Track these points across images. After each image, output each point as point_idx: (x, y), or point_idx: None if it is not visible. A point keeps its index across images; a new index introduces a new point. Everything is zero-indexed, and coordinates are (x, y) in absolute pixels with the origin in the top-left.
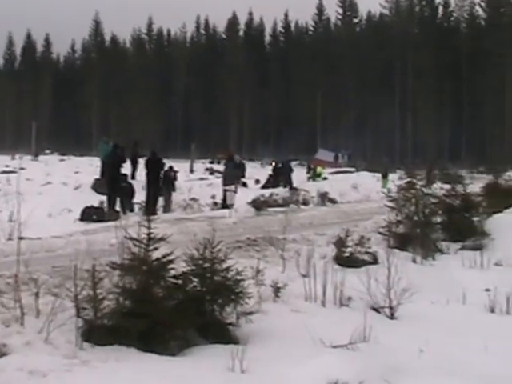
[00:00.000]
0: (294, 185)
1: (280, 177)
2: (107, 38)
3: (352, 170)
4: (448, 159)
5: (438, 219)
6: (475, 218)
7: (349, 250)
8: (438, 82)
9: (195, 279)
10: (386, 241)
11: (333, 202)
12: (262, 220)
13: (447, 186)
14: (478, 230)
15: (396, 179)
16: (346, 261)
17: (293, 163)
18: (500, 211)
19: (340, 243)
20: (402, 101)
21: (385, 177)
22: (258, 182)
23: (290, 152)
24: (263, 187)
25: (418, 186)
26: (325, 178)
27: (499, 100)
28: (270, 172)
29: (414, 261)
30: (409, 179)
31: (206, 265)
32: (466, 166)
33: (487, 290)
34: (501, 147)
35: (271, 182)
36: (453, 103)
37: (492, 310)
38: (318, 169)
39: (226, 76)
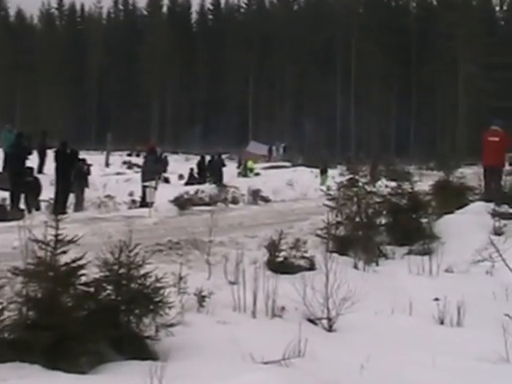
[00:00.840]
0: (223, 181)
1: (208, 172)
2: (12, 12)
3: (288, 164)
4: (395, 153)
5: (383, 220)
6: (424, 220)
7: (283, 254)
8: (385, 67)
9: (109, 287)
10: (324, 244)
11: (265, 200)
12: (185, 220)
13: (393, 184)
14: (427, 232)
15: (336, 175)
16: (280, 266)
17: (223, 157)
18: (451, 212)
19: (273, 247)
20: (344, 88)
21: (324, 173)
22: (181, 177)
23: (219, 144)
24: (187, 183)
25: (360, 184)
26: (257, 174)
27: (452, 87)
28: (193, 166)
29: (356, 266)
30: (351, 176)
31: (122, 270)
32: (414, 161)
33: (436, 299)
34: (453, 140)
35: (197, 178)
36: (400, 91)
37: (441, 322)
38: (249, 163)
39: (147, 57)
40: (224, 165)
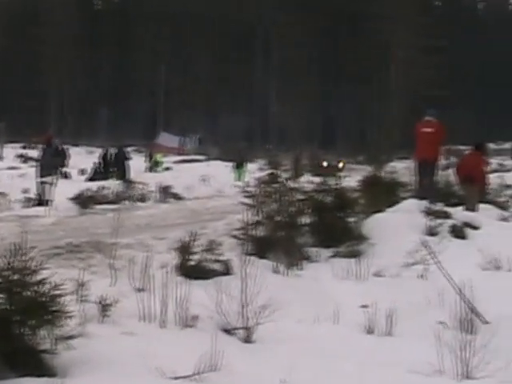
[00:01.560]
0: (130, 176)
1: (112, 166)
2: None
3: (202, 158)
4: (320, 146)
5: (306, 220)
6: (351, 219)
7: (195, 257)
8: (310, 51)
9: (0, 295)
10: (241, 246)
11: (177, 197)
12: (87, 220)
13: (318, 179)
14: (355, 233)
15: (256, 170)
16: (192, 271)
17: (129, 149)
18: (381, 210)
19: (184, 249)
20: (264, 74)
21: (240, 167)
22: (83, 172)
23: (126, 136)
24: (90, 179)
25: (281, 179)
26: (167, 169)
27: (384, 73)
28: (96, 160)
29: (277, 271)
30: (271, 170)
31: (15, 277)
32: (341, 154)
33: (364, 306)
34: (385, 132)
35: (101, 173)
36: (328, 78)
37: (370, 331)
38: (158, 156)
39: (45, 38)
40: (127, 158)
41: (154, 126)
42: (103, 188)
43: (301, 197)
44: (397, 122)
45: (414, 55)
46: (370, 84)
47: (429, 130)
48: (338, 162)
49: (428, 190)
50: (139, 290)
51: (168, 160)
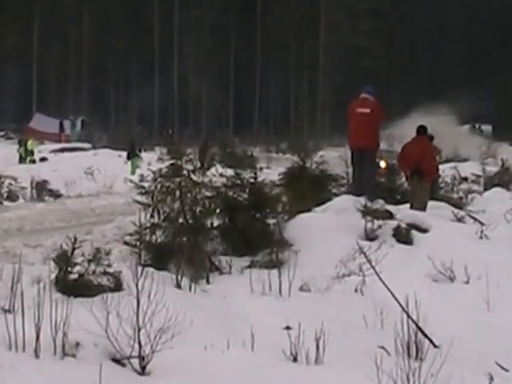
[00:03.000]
0: None
1: None
2: None
3: (86, 146)
4: (233, 131)
5: (216, 222)
6: (271, 221)
7: (77, 269)
8: (218, 16)
9: None
10: (135, 255)
11: (55, 195)
12: None
13: (230, 172)
14: (275, 237)
15: (154, 161)
16: (74, 287)
17: None
18: (308, 210)
19: (64, 260)
20: (164, 43)
21: (135, 157)
22: None
23: None
24: None
25: (185, 172)
26: (43, 159)
27: (310, 42)
28: None
29: (179, 285)
30: (172, 161)
31: None
32: (260, 141)
33: (288, 328)
34: (312, 114)
35: None
36: (241, 48)
37: (294, 358)
38: (29, 143)
39: None
40: None
41: (27, 107)
42: None
43: (209, 193)
44: (326, 102)
45: (346, 19)
46: (294, 55)
47: (365, 110)
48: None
49: (365, 184)
50: (6, 312)
51: (44, 148)
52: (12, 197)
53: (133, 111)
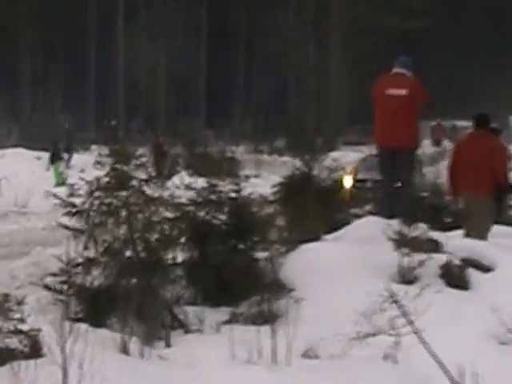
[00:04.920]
0: None
1: None
2: None
3: None
4: (207, 122)
5: (180, 256)
6: (260, 254)
7: None
8: None
9: None
10: (61, 305)
11: None
12: None
13: (201, 183)
14: (267, 279)
15: (89, 166)
16: None
17: None
18: (315, 238)
19: None
20: (107, 12)
21: (56, 161)
22: None
23: None
24: None
25: (135, 183)
26: None
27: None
28: None
29: (125, 349)
30: (116, 166)
31: None
32: (245, 137)
33: None
34: (322, 98)
35: None
36: (214, 17)
37: None
38: None
39: None
40: None
41: None
42: None
43: (170, 215)
44: (342, 79)
45: None
46: (296, 11)
47: (399, 91)
48: None
49: (401, 200)
50: None
51: None
52: None
53: (57, 93)
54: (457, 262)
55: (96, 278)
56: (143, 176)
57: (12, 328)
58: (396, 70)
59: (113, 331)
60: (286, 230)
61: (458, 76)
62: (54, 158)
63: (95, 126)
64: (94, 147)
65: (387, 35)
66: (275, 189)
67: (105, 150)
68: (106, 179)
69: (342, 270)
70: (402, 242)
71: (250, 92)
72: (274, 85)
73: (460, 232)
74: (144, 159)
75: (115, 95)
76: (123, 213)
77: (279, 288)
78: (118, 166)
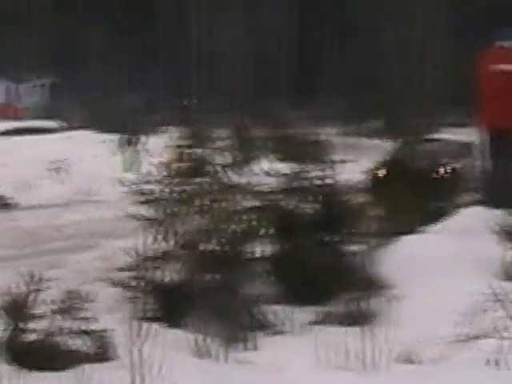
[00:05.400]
0: None
1: None
2: None
3: (52, 125)
4: (292, 102)
5: (264, 250)
6: (351, 248)
7: (39, 326)
8: None
9: None
10: (131, 303)
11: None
12: None
13: (287, 169)
14: (359, 276)
15: (163, 150)
16: (31, 354)
17: None
18: (413, 230)
19: (15, 311)
20: None
21: (123, 144)
22: None
23: None
24: None
25: (213, 169)
26: None
27: None
28: None
29: (204, 353)
30: (192, 150)
31: None
32: (334, 118)
33: None
34: (419, 72)
35: None
36: None
37: None
38: None
39: None
40: None
41: None
42: None
43: (251, 203)
44: (441, 57)
45: None
46: None
47: (509, 67)
48: None
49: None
50: None
51: None
52: None
53: (125, 70)
54: None
55: (170, 273)
56: (222, 161)
57: (77, 328)
58: (502, 43)
59: (188, 332)
60: (380, 222)
61: None
62: (123, 142)
63: (167, 106)
64: (167, 129)
65: (489, 8)
66: (367, 175)
67: (178, 133)
68: (181, 165)
69: (440, 265)
70: (508, 235)
71: (339, 68)
72: (365, 61)
73: None
74: (223, 142)
75: (190, 72)
76: (199, 202)
77: (371, 285)
78: (193, 149)
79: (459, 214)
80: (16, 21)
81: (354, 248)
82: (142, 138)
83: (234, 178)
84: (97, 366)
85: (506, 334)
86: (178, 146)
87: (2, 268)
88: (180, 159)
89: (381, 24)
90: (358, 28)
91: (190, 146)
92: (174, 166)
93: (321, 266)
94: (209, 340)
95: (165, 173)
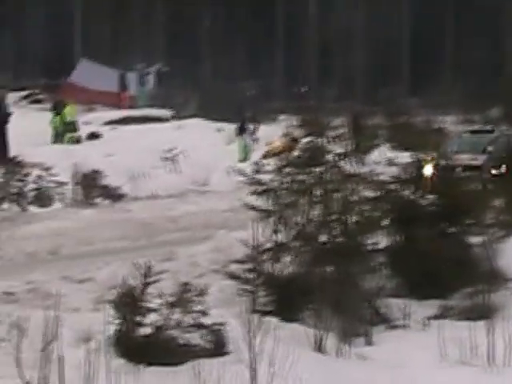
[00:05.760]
0: (11, 153)
1: None
2: None
3: (164, 114)
4: (411, 89)
5: (381, 241)
6: (474, 239)
7: (151, 320)
8: None
9: None
10: (247, 296)
11: (113, 196)
12: None
13: (405, 158)
14: (483, 268)
15: (277, 138)
16: (145, 349)
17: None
18: None
19: (130, 303)
20: None
21: (239, 133)
22: None
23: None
24: None
25: (330, 158)
26: (94, 136)
27: None
28: None
29: (320, 347)
30: (308, 139)
31: None
32: (455, 105)
33: None
34: None
35: None
36: None
37: None
38: (68, 110)
39: None
40: (6, 115)
41: (67, 50)
42: None
43: (371, 193)
44: None
45: None
46: None
47: None
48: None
49: None
50: None
51: (95, 118)
52: (43, 199)
53: (240, 57)
54: None
55: (287, 265)
56: (340, 150)
57: (193, 322)
58: None
59: (306, 326)
60: (506, 212)
61: None
62: (238, 130)
63: (283, 94)
64: (282, 117)
65: None
66: (493, 165)
67: (294, 122)
68: (297, 154)
69: None
70: None
71: (460, 53)
72: (488, 45)
73: None
74: (340, 131)
75: (306, 59)
76: (317, 191)
77: (496, 278)
78: (310, 138)
79: None
80: (128, 11)
81: (477, 239)
82: (258, 127)
83: (353, 166)
84: (213, 360)
85: None
86: (294, 135)
87: (116, 259)
88: (296, 148)
89: (508, 6)
90: (481, 11)
91: (306, 135)
92: (290, 154)
93: (442, 258)
94: (327, 334)
95: (280, 162)
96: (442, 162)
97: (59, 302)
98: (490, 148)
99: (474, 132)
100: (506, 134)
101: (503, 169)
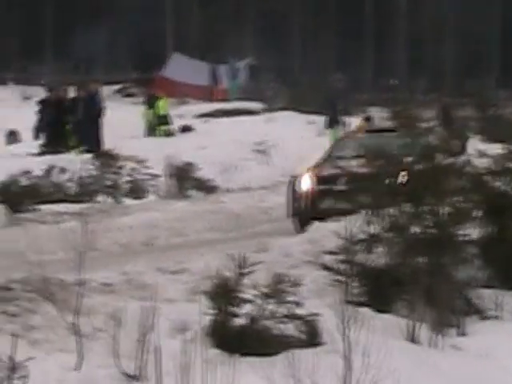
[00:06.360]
0: (105, 146)
1: (77, 127)
2: None
3: (255, 107)
4: (500, 80)
5: (474, 232)
6: None
7: (246, 311)
8: None
9: None
10: (340, 287)
11: (206, 188)
12: (23, 236)
13: (497, 149)
14: None
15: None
16: (240, 339)
17: (103, 91)
18: None
19: (224, 295)
20: None
21: (335, 125)
22: (14, 136)
23: (96, 62)
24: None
25: (422, 148)
26: (186, 129)
27: None
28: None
29: (413, 338)
30: (400, 130)
31: None
32: None
33: None
34: None
35: (52, 140)
36: None
37: None
38: (161, 103)
39: None
40: (99, 108)
41: (159, 44)
42: (56, 170)
43: (463, 185)
44: None
45: None
46: None
47: None
48: None
49: None
50: (132, 379)
51: (187, 111)
52: (137, 191)
53: (330, 49)
54: None
55: (380, 256)
56: (433, 142)
57: (287, 312)
58: None
59: (399, 317)
60: None
61: None
62: (332, 123)
63: (373, 86)
64: (371, 110)
65: None
66: None
67: (385, 114)
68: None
69: None
70: None
71: None
72: None
73: None
74: (431, 123)
75: (396, 51)
76: (409, 180)
77: None
78: (402, 128)
79: None
80: (219, 6)
81: None
82: (348, 119)
83: (444, 158)
84: (307, 351)
85: None
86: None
87: (210, 250)
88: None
89: None
90: None
91: (398, 127)
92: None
93: None
94: (420, 325)
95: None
96: None
97: (154, 294)
98: None
99: None
100: None
101: None
